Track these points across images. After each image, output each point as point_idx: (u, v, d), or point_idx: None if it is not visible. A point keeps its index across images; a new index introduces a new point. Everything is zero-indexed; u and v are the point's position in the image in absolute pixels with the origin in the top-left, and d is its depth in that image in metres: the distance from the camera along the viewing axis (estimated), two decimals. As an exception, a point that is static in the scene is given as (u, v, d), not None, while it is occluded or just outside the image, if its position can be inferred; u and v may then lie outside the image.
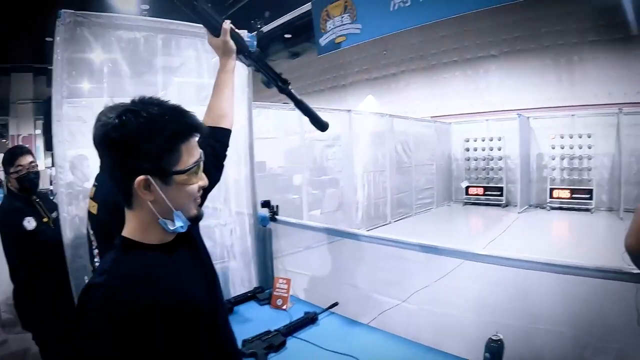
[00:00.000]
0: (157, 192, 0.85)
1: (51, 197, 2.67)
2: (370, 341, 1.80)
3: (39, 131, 14.28)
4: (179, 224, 0.89)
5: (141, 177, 0.82)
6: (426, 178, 9.29)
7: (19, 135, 13.52)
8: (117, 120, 0.81)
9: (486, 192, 9.84)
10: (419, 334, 1.81)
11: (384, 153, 7.79)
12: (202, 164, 0.91)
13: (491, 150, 9.80)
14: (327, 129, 1.44)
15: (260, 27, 2.70)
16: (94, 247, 1.70)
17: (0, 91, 13.93)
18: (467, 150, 10.21)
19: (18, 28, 10.34)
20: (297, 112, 5.48)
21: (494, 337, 1.38)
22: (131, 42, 2.25)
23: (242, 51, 1.33)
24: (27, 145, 2.81)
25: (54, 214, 2.39)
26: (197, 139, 0.91)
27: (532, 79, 9.19)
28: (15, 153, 2.43)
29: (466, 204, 10.06)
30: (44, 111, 12.38)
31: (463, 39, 9.95)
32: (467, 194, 10.12)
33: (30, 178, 2.40)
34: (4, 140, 13.52)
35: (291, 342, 1.84)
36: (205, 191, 0.98)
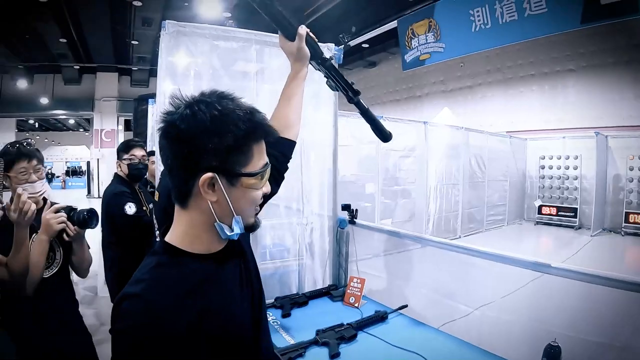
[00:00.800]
0: (221, 193, 0.76)
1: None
2: (436, 342, 1.85)
3: (121, 127, 15.38)
4: (236, 230, 0.81)
5: (208, 174, 0.74)
6: (499, 194, 8.98)
7: (102, 130, 14.65)
8: (187, 110, 0.75)
9: (559, 213, 9.31)
10: (479, 338, 1.82)
11: (457, 166, 7.62)
12: (269, 170, 0.83)
13: (567, 169, 9.28)
14: (390, 139, 1.36)
15: (348, 42, 2.82)
16: (155, 231, 1.90)
17: (87, 89, 15.21)
18: (542, 167, 9.72)
19: (103, 30, 11.03)
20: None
21: (552, 343, 1.38)
22: (227, 51, 2.39)
23: (316, 57, 1.25)
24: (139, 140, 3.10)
25: (150, 205, 2.59)
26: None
27: (611, 95, 8.58)
28: (132, 144, 2.70)
29: (538, 223, 9.57)
30: (129, 108, 13.18)
31: (539, 52, 9.51)
32: (539, 213, 9.63)
33: (139, 168, 2.64)
34: (87, 134, 14.72)
35: (361, 335, 1.91)
36: (262, 202, 0.87)
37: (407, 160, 6.85)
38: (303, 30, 1.16)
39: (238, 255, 0.91)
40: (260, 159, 0.81)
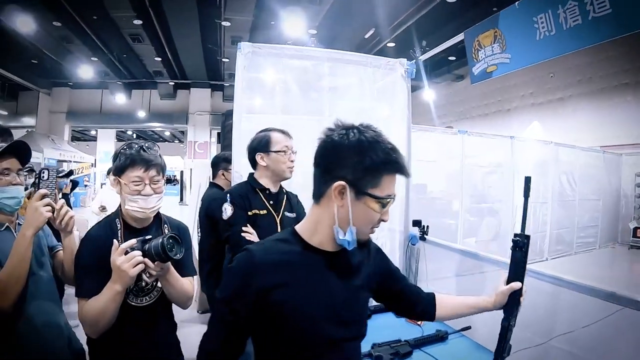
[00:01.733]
0: (346, 202, 0.92)
1: None
2: None
3: (214, 139, 16.41)
4: (348, 237, 0.93)
5: (341, 182, 0.91)
6: (590, 215, 8.33)
7: (195, 142, 15.77)
8: (343, 131, 0.94)
9: (657, 237, 8.49)
10: None
11: (546, 184, 7.23)
12: (392, 201, 0.96)
13: (666, 188, 8.47)
14: None
15: (419, 56, 2.87)
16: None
17: (182, 103, 16.46)
18: (639, 186, 8.94)
19: (195, 49, 11.89)
20: (459, 136, 5.41)
21: None
22: (301, 69, 2.51)
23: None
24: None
25: None
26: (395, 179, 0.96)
27: None
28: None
29: (632, 247, 8.76)
30: (220, 122, 14.14)
31: (635, 59, 8.79)
32: (634, 236, 8.79)
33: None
34: (182, 145, 16.01)
35: (417, 354, 1.86)
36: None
37: (492, 177, 6.66)
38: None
39: (346, 273, 1.02)
40: (387, 189, 0.94)
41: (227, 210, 1.84)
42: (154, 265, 1.26)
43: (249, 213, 1.89)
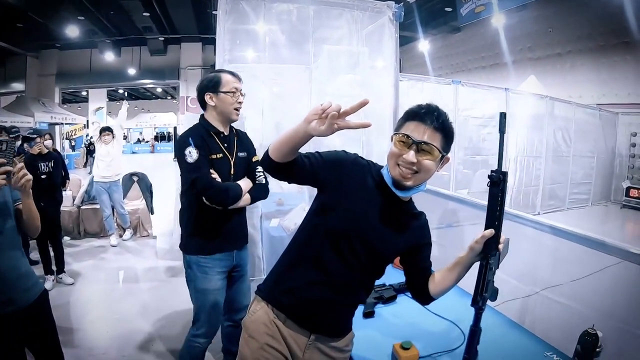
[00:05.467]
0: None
1: None
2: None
3: None
4: (384, 171, 1.20)
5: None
6: (584, 172, 8.34)
7: (187, 97, 15.53)
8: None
9: (649, 197, 8.53)
10: (532, 321, 1.74)
11: (540, 138, 7.19)
12: (401, 137, 1.12)
13: (661, 149, 8.45)
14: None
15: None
16: None
17: (172, 59, 16.13)
18: (634, 146, 8.96)
19: (184, 2, 11.62)
20: (453, 87, 5.29)
21: (590, 330, 1.26)
22: (285, 14, 2.40)
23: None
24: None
25: None
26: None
27: None
28: None
29: (625, 206, 8.83)
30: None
31: (635, 17, 8.49)
32: (627, 195, 8.87)
33: None
34: (175, 101, 15.84)
35: (401, 298, 1.89)
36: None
37: (486, 130, 6.57)
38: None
39: (386, 203, 1.21)
40: (405, 130, 1.13)
41: (193, 153, 1.81)
42: None
43: (209, 158, 1.89)
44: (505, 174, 1.15)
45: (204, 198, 1.82)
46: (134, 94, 23.46)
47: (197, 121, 1.97)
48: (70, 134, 16.29)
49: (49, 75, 16.17)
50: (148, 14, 12.68)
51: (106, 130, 5.18)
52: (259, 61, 2.46)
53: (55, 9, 11.69)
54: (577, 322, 1.44)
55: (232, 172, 1.95)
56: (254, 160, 2.06)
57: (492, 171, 1.15)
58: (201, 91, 1.94)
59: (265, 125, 2.52)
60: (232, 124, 2.03)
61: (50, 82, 16.20)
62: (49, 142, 4.12)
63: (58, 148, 12.52)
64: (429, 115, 1.11)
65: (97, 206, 5.32)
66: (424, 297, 1.31)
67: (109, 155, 5.08)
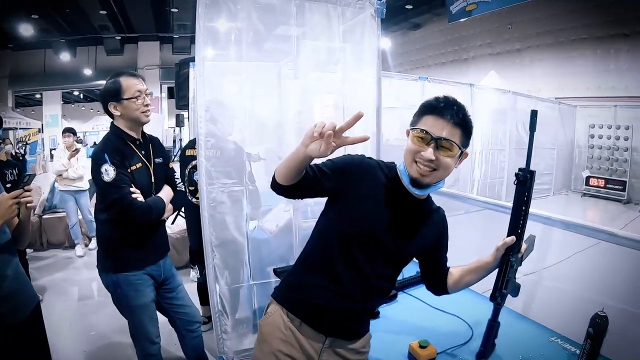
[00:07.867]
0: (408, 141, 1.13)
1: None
2: (478, 307, 1.73)
3: (164, 94, 15.72)
4: (402, 168, 1.14)
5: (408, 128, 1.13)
6: (546, 163, 8.62)
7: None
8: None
9: (607, 185, 8.92)
10: (526, 306, 1.77)
11: (504, 131, 7.37)
12: (418, 133, 1.08)
13: (617, 139, 8.84)
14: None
15: None
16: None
17: (130, 58, 15.54)
18: (592, 137, 9.28)
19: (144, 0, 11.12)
20: (420, 83, 5.31)
21: (600, 313, 1.26)
22: (266, 8, 2.32)
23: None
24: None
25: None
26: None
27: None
28: None
29: (585, 195, 9.19)
30: (172, 76, 13.62)
31: (593, 15, 8.90)
32: (587, 184, 9.24)
33: None
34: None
35: (402, 296, 1.92)
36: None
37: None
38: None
39: (401, 203, 1.17)
40: (423, 125, 1.08)
41: (109, 171, 1.67)
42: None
43: (129, 170, 1.76)
44: (533, 172, 1.16)
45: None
46: (89, 95, 22.53)
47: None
48: (24, 138, 15.47)
49: (1, 77, 15.26)
50: (105, 12, 12.16)
51: (68, 131, 4.76)
52: (240, 58, 2.33)
53: (8, 7, 10.98)
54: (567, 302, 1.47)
55: (152, 180, 1.87)
56: (170, 165, 1.98)
57: (519, 169, 1.17)
58: (104, 102, 1.79)
59: (249, 124, 2.44)
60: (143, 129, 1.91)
61: (2, 85, 15.30)
62: (8, 147, 3.80)
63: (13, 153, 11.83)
64: (449, 110, 1.06)
65: (61, 215, 4.96)
66: (440, 290, 1.34)
67: (78, 169, 4.69)
